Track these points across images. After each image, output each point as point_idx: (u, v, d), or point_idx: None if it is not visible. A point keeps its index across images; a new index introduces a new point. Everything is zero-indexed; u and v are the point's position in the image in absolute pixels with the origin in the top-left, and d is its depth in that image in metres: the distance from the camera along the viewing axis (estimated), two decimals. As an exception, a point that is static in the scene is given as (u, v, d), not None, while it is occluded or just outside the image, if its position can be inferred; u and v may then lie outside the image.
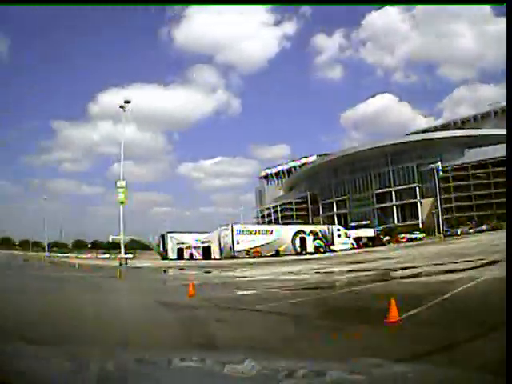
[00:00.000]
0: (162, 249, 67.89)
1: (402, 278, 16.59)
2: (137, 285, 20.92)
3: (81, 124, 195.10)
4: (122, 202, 45.35)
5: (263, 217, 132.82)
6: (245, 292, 14.34)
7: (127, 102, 45.99)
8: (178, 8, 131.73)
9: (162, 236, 68.67)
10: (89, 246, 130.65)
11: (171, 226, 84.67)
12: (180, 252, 63.23)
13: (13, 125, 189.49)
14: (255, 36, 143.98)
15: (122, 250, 47.20)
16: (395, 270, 19.58)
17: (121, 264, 40.37)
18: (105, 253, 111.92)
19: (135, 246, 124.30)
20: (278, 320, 9.11)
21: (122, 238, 48.63)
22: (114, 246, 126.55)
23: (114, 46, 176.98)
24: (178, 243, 64.11)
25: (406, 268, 19.97)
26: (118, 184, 45.31)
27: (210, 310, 10.82)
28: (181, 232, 66.31)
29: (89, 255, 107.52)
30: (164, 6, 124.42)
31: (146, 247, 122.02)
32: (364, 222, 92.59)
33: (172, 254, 63.30)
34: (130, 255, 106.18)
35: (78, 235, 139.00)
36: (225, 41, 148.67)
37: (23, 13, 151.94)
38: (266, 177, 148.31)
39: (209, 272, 28.88)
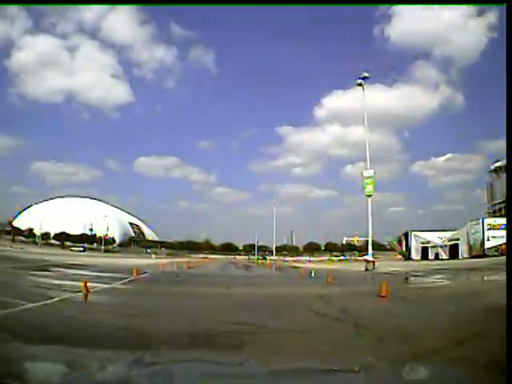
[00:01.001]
0: (404, 248, 66.34)
1: None
2: (431, 314, 9.56)
3: (308, 128, 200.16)
4: (369, 195, 39.24)
5: (494, 212, 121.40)
6: None
7: (365, 77, 40.52)
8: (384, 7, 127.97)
9: (405, 235, 66.44)
10: (322, 248, 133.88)
11: (406, 226, 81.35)
12: (424, 251, 60.69)
13: (236, 133, 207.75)
14: (464, 28, 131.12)
15: (370, 251, 39.54)
16: None
17: (367, 269, 35.04)
18: (339, 255, 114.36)
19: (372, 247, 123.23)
20: None
21: (369, 238, 41.73)
22: (349, 248, 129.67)
23: (333, 50, 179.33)
24: (421, 242, 61.77)
25: None
26: (366, 173, 39.46)
27: None
28: (425, 230, 63.51)
29: (322, 258, 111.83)
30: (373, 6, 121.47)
31: (380, 248, 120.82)
32: None
33: (416, 254, 61.16)
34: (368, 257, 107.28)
35: (310, 238, 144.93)
36: (438, 34, 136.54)
37: (235, 23, 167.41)
38: (496, 170, 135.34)
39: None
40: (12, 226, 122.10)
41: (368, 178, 39.27)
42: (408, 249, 63.77)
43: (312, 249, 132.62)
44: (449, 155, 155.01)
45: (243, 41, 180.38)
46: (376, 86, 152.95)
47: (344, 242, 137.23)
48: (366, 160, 39.77)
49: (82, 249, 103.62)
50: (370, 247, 39.77)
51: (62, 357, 3.06)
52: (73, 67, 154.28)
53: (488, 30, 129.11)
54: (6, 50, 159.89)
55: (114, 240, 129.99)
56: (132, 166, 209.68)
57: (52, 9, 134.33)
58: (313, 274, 24.13)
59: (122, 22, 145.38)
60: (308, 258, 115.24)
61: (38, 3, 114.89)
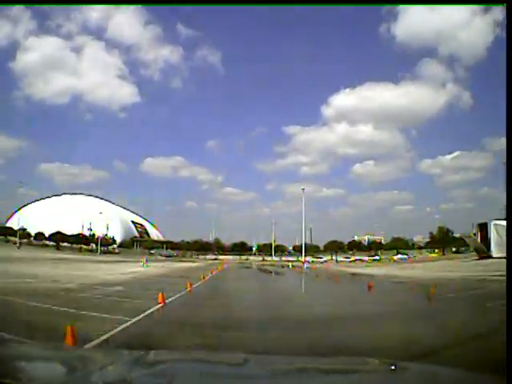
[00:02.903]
0: (480, 242, 53.33)
1: None
2: None
3: (316, 128, 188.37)
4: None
5: None
6: None
7: None
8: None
9: (481, 225, 53.79)
10: (345, 247, 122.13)
11: (414, 224, 71.18)
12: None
13: (243, 133, 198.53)
14: (469, 25, 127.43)
15: None
16: None
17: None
18: (374, 254, 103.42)
19: (399, 245, 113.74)
20: None
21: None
22: (375, 247, 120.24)
23: (338, 48, 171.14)
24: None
25: None
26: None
27: None
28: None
29: (355, 257, 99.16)
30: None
31: (408, 246, 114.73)
32: None
33: (497, 250, 47.74)
34: (405, 256, 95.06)
35: (321, 237, 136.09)
36: (444, 32, 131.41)
37: (241, 22, 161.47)
38: None
39: None
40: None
41: None
42: (487, 243, 50.46)
43: (336, 247, 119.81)
44: (456, 153, 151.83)
45: (250, 40, 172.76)
46: (382, 83, 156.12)
47: (365, 240, 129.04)
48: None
49: None
50: None
51: (62, 357, 3.03)
52: (78, 68, 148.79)
53: (494, 27, 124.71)
54: (12, 51, 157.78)
55: (114, 240, 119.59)
56: (139, 167, 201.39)
57: (57, 9, 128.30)
58: None
59: (127, 23, 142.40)
60: (336, 258, 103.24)
61: (40, 3, 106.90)
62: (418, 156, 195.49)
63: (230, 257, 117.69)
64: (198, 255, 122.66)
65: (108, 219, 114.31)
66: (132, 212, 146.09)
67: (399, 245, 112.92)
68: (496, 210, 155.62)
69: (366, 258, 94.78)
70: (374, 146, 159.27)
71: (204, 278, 27.02)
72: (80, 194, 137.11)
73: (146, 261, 48.60)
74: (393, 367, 2.63)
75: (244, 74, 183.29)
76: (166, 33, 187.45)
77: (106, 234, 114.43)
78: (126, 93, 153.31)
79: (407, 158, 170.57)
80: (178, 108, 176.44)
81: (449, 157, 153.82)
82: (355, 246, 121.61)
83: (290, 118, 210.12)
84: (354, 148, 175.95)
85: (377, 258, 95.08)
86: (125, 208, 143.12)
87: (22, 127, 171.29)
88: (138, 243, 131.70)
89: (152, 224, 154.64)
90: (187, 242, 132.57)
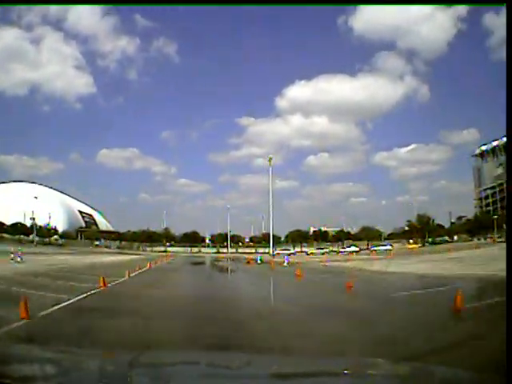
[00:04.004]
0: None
1: None
2: None
3: (270, 119, 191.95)
4: None
5: (487, 197, 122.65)
6: None
7: None
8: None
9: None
10: (311, 237, 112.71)
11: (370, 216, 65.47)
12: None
13: (197, 124, 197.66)
14: (431, 18, 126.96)
15: None
16: None
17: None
18: (351, 245, 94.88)
19: (369, 235, 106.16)
20: None
21: None
22: (344, 237, 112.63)
23: (295, 40, 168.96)
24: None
25: None
26: None
27: None
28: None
29: (324, 249, 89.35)
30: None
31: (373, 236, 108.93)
32: None
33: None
34: (390, 247, 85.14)
35: (282, 229, 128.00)
36: (403, 25, 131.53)
37: (198, 14, 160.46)
38: (482, 154, 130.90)
39: None
40: None
41: None
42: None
43: (299, 237, 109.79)
44: (413, 146, 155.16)
45: (206, 31, 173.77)
46: (339, 75, 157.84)
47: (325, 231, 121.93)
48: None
49: None
50: None
51: (62, 357, 3.01)
52: (36, 59, 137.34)
53: (454, 22, 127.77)
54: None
55: (56, 230, 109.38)
56: (95, 159, 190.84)
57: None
58: None
59: (85, 12, 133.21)
60: (306, 250, 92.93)
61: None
62: (374, 148, 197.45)
63: (181, 249, 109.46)
64: (146, 247, 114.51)
65: (51, 208, 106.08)
66: (81, 201, 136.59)
67: (371, 235, 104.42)
68: (452, 202, 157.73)
69: (347, 250, 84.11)
70: (329, 138, 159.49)
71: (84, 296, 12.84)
72: (21, 181, 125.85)
73: (16, 254, 33.86)
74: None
75: (199, 65, 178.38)
76: (123, 23, 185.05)
77: (48, 224, 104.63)
78: (83, 83, 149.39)
79: (362, 150, 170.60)
80: (133, 99, 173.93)
81: (405, 149, 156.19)
82: (321, 237, 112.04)
83: (244, 109, 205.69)
84: (309, 140, 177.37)
85: (355, 249, 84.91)
86: (74, 197, 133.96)
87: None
88: (81, 234, 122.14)
89: (102, 214, 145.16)
90: (134, 233, 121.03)
